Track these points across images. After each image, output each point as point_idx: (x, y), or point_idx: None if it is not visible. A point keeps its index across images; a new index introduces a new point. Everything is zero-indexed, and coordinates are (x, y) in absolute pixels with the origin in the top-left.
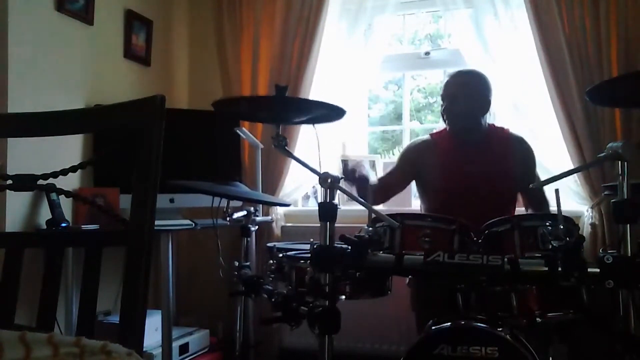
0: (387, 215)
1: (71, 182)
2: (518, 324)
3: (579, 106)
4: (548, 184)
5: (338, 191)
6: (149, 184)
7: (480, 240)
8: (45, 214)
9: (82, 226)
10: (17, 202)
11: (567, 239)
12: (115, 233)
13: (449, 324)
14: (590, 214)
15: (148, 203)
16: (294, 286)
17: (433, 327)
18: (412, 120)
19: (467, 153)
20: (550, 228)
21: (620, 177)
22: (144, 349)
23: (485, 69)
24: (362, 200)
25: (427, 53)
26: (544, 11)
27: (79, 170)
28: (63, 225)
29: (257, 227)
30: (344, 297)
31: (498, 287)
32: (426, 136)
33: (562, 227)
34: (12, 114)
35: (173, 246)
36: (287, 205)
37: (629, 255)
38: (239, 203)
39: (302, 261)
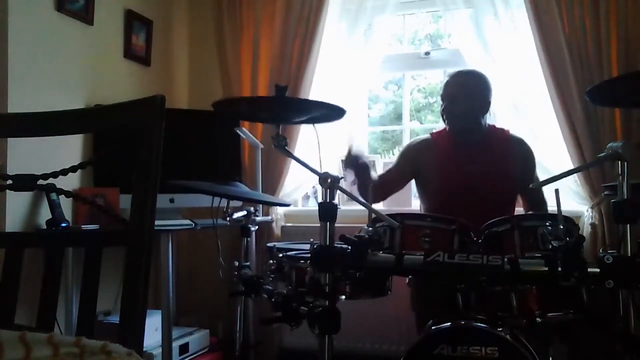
0: (387, 215)
1: (71, 182)
2: (518, 324)
3: (579, 106)
4: (548, 184)
5: (338, 191)
6: (149, 184)
7: (480, 240)
8: (45, 214)
9: (82, 226)
10: (17, 202)
11: (567, 239)
12: (115, 233)
13: (449, 324)
14: (590, 214)
15: (148, 203)
16: (294, 286)
17: (433, 327)
18: (412, 120)
19: (467, 153)
20: (550, 228)
21: (620, 177)
22: (144, 349)
23: (485, 69)
24: (362, 200)
25: (427, 53)
26: (544, 11)
27: (79, 170)
28: (63, 225)
29: (257, 227)
30: (344, 297)
31: (498, 287)
32: (426, 135)
33: (562, 227)
34: (12, 114)
35: (173, 246)
36: (287, 205)
37: (629, 255)
38: (239, 203)
39: (302, 261)
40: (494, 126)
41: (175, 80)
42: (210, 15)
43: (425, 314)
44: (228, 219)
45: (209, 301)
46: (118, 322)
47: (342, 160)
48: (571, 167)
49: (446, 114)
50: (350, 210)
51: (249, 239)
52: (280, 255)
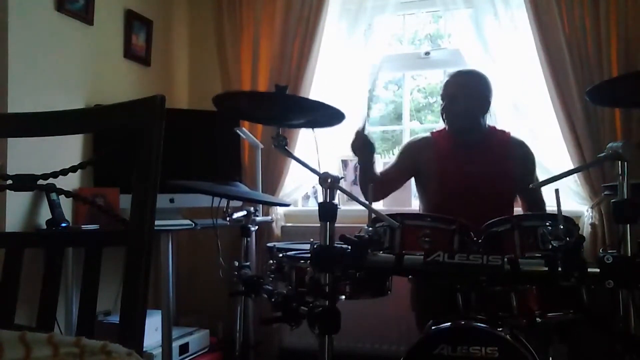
0: (387, 215)
1: (71, 182)
2: (518, 324)
3: (579, 106)
4: (548, 184)
5: (338, 191)
6: (149, 184)
7: (480, 240)
8: (45, 214)
9: (82, 226)
10: (17, 202)
11: (567, 239)
12: (115, 233)
13: (449, 324)
14: (590, 214)
15: (148, 203)
16: (294, 286)
17: (433, 327)
18: (412, 120)
19: (467, 153)
20: (550, 228)
21: (620, 177)
22: (144, 349)
23: (485, 69)
24: (362, 200)
25: (427, 53)
26: (544, 11)
27: (79, 170)
28: (63, 225)
29: (257, 227)
30: (344, 297)
31: (498, 287)
32: (426, 134)
33: (562, 227)
34: (12, 114)
35: (173, 246)
36: (287, 205)
37: (629, 255)
38: (239, 203)
39: (302, 261)
40: (494, 127)
41: (175, 80)
42: (210, 15)
43: (425, 314)
44: (228, 219)
45: (209, 301)
46: (118, 322)
47: (352, 140)
48: (571, 167)
49: (446, 113)
50: (350, 210)
51: (249, 239)
52: (280, 255)
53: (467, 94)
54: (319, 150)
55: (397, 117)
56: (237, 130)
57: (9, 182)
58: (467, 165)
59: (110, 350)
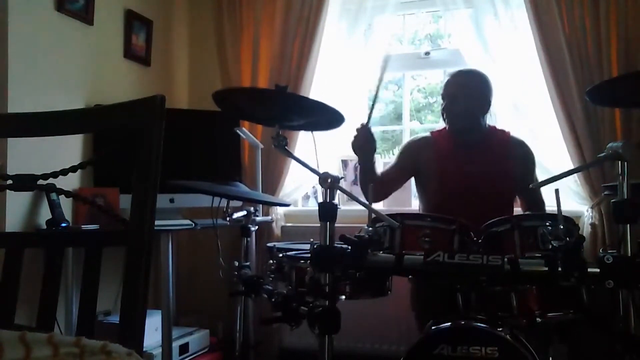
0: (387, 215)
1: (71, 182)
2: (518, 324)
3: (579, 106)
4: (548, 184)
5: (338, 191)
6: (149, 184)
7: (480, 240)
8: (45, 214)
9: (82, 226)
10: (17, 202)
11: (567, 239)
12: (115, 233)
13: (449, 324)
14: (590, 214)
15: (148, 203)
16: (294, 286)
17: (433, 327)
18: (412, 120)
19: (467, 153)
20: (550, 228)
21: (620, 177)
22: (144, 349)
23: (485, 69)
24: (362, 200)
25: (427, 53)
26: (544, 11)
27: (79, 170)
28: (63, 225)
29: (257, 227)
30: (344, 297)
31: (498, 287)
32: (426, 133)
33: (562, 227)
34: (12, 114)
35: (173, 246)
36: (287, 205)
37: (629, 255)
38: (239, 203)
39: (302, 261)
40: (494, 127)
41: (175, 80)
42: (210, 15)
43: (425, 314)
44: (228, 219)
45: (209, 301)
46: (118, 322)
47: (354, 137)
48: (571, 167)
49: (446, 113)
50: (350, 210)
51: (249, 239)
52: (280, 255)
53: (467, 94)
54: (319, 151)
55: (397, 117)
56: (237, 130)
57: (9, 182)
58: (467, 165)
59: (110, 350)
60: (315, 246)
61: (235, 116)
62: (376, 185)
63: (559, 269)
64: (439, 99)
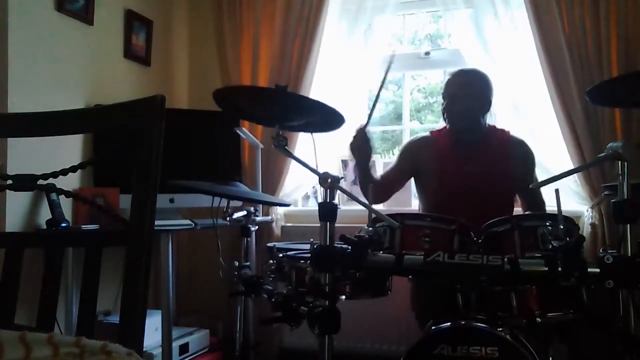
0: (387, 215)
1: (71, 182)
2: (518, 324)
3: (579, 106)
4: (548, 184)
5: (338, 191)
6: (149, 184)
7: (480, 240)
8: (45, 214)
9: (82, 226)
10: (17, 202)
11: (567, 239)
12: (115, 233)
13: (449, 324)
14: (590, 214)
15: (148, 203)
16: (294, 286)
17: (433, 327)
18: (412, 120)
19: (467, 153)
20: (550, 228)
21: (620, 177)
22: (144, 349)
23: (485, 69)
24: (362, 200)
25: (427, 53)
26: (544, 11)
27: (79, 170)
28: (63, 225)
29: (257, 227)
30: (344, 297)
31: (498, 287)
32: (426, 133)
33: (562, 227)
34: (12, 114)
35: (173, 246)
36: (287, 205)
37: (629, 255)
38: (239, 203)
39: (302, 261)
40: (494, 126)
41: (175, 80)
42: (210, 15)
43: (425, 314)
44: (228, 219)
45: (209, 301)
46: (118, 322)
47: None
48: (571, 167)
49: (447, 112)
50: (350, 210)
51: (249, 239)
52: (280, 255)
53: (467, 93)
54: (319, 151)
55: (397, 117)
56: (237, 130)
57: (9, 182)
58: (467, 165)
59: (110, 350)
60: (315, 246)
61: (235, 116)
62: (377, 188)
63: (559, 269)
64: (439, 99)
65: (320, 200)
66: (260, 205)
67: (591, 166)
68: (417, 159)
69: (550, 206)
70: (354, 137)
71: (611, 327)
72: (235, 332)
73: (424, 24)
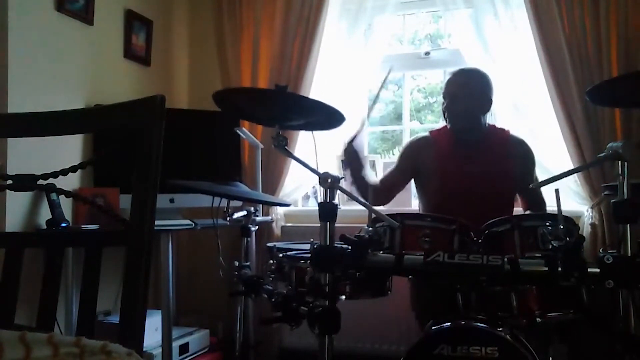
0: (387, 215)
1: (71, 182)
2: (518, 324)
3: (579, 106)
4: (548, 184)
5: (338, 191)
6: (149, 184)
7: (480, 240)
8: (45, 214)
9: (82, 226)
10: (17, 202)
11: (567, 239)
12: (115, 233)
13: (449, 324)
14: (590, 214)
15: (148, 203)
16: (294, 286)
17: (433, 327)
18: (412, 120)
19: (467, 153)
20: (550, 228)
21: (620, 177)
22: (144, 349)
23: (485, 69)
24: (363, 201)
25: (427, 53)
26: (544, 11)
27: (79, 170)
28: (63, 225)
29: (257, 227)
30: (344, 297)
31: (498, 287)
32: (425, 133)
33: (562, 227)
34: (12, 114)
35: (173, 246)
36: (287, 205)
37: (629, 255)
38: (239, 203)
39: (302, 261)
40: (494, 126)
41: (175, 80)
42: (210, 15)
43: (425, 314)
44: (228, 219)
45: (209, 301)
46: (118, 322)
47: (342, 154)
48: (571, 167)
49: (447, 112)
50: (350, 210)
51: (249, 239)
52: (280, 255)
53: (467, 93)
54: (319, 151)
55: (397, 117)
56: (237, 130)
57: (9, 182)
58: (467, 165)
59: (110, 350)
60: (315, 246)
61: (235, 116)
62: (378, 191)
63: (559, 269)
64: (439, 99)
65: (320, 200)
66: (260, 205)
67: (591, 166)
68: (417, 160)
69: (551, 206)
70: (343, 152)
71: (611, 327)
72: (235, 332)
73: (424, 24)
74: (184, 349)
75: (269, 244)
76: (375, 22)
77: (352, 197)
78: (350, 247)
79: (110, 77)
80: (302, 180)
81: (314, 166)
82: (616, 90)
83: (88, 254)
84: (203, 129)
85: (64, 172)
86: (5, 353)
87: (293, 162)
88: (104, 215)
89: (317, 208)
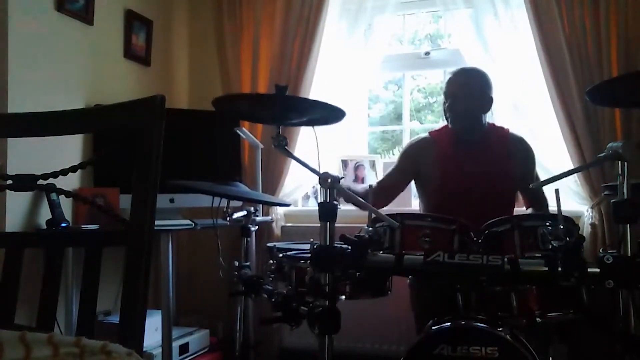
0: (387, 215)
1: (71, 182)
2: (518, 324)
3: (579, 106)
4: (548, 184)
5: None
6: (149, 184)
7: (480, 240)
8: (45, 214)
9: (82, 226)
10: (17, 202)
11: (567, 239)
12: (115, 233)
13: (449, 324)
14: (590, 214)
15: (148, 203)
16: (294, 286)
17: (433, 327)
18: (412, 120)
19: (467, 152)
20: (550, 228)
21: (620, 177)
22: (144, 349)
23: (485, 69)
24: (362, 201)
25: (427, 53)
26: (544, 11)
27: (79, 170)
28: (63, 225)
29: (257, 227)
30: (344, 297)
31: (498, 287)
32: (425, 134)
33: (562, 227)
34: (12, 114)
35: (173, 246)
36: (287, 205)
37: (629, 255)
38: (239, 203)
39: (302, 261)
40: (493, 124)
41: (175, 80)
42: (210, 15)
43: (425, 314)
44: (228, 219)
45: (209, 301)
46: (118, 322)
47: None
48: (571, 167)
49: (448, 112)
50: (350, 210)
51: (249, 239)
52: (280, 255)
53: (467, 93)
54: (320, 150)
55: (397, 117)
56: (237, 130)
57: (9, 182)
58: (467, 165)
59: (110, 350)
60: (315, 246)
61: (235, 118)
62: (378, 193)
63: (559, 269)
64: (439, 99)
65: (320, 200)
66: (260, 205)
67: (591, 166)
68: (417, 161)
69: (551, 206)
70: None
71: (611, 327)
72: (235, 332)
73: (424, 24)
74: (184, 349)
75: (269, 244)
76: (375, 22)
77: (351, 200)
78: (350, 247)
79: (110, 77)
80: (302, 180)
81: (316, 163)
82: (616, 90)
83: (88, 254)
84: (203, 129)
85: (64, 172)
86: (5, 353)
87: (293, 162)
88: (104, 215)
89: (317, 208)
